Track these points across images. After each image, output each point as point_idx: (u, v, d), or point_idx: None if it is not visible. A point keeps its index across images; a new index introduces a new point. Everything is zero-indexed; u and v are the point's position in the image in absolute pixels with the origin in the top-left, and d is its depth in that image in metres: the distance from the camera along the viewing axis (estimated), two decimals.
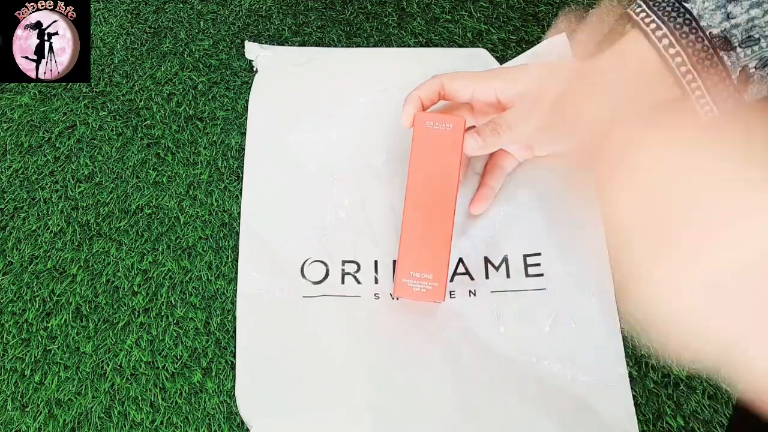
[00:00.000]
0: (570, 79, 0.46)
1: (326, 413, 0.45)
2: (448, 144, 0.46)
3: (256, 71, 0.57)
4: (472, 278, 0.49)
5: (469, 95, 0.47)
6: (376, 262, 0.50)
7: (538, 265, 0.49)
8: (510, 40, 0.58)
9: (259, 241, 0.51)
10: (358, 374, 0.46)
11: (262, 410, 0.46)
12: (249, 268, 0.50)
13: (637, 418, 0.45)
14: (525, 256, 0.49)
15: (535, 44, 0.57)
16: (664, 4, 0.46)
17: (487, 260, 0.49)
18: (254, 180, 0.53)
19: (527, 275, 0.49)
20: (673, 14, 0.45)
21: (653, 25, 0.46)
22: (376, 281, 0.49)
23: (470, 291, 0.49)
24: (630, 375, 0.46)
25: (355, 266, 0.50)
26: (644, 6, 0.47)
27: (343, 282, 0.49)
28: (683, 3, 0.45)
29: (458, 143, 0.46)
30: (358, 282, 0.49)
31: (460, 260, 0.49)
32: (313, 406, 0.45)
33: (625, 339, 0.47)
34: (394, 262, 0.49)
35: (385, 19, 0.59)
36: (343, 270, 0.50)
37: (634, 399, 0.45)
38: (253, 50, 0.57)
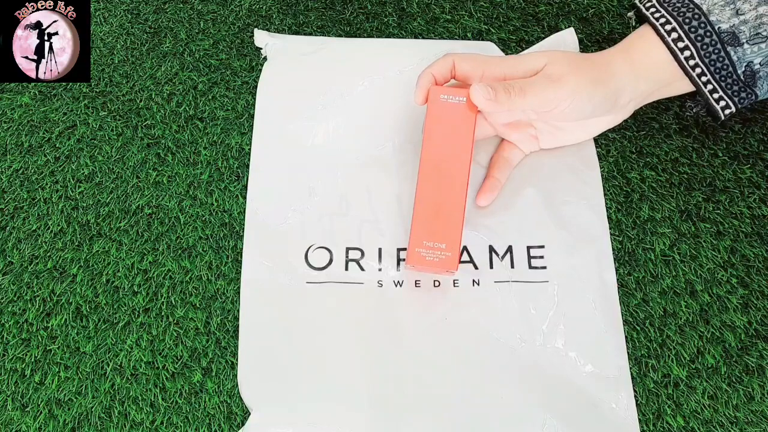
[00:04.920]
0: (582, 66, 0.46)
1: (326, 400, 0.46)
2: (462, 116, 0.46)
3: (265, 59, 0.57)
4: (476, 267, 0.49)
5: (479, 77, 0.46)
6: (380, 249, 0.50)
7: (542, 257, 0.49)
8: (510, 40, 0.58)
9: (264, 227, 0.51)
10: (360, 362, 0.47)
11: (263, 395, 0.46)
12: (253, 254, 0.50)
13: (638, 417, 0.45)
14: (528, 247, 0.50)
15: (535, 44, 0.57)
16: (674, 0, 0.46)
17: (491, 249, 0.50)
18: (261, 167, 0.53)
19: (530, 267, 0.49)
20: (683, 9, 0.46)
21: (663, 20, 0.46)
22: (380, 269, 0.49)
23: (474, 280, 0.49)
24: (630, 375, 0.46)
25: (359, 253, 0.50)
26: (654, 1, 0.48)
27: (346, 269, 0.49)
28: None
29: (472, 116, 0.46)
30: (362, 269, 0.49)
31: (465, 248, 0.50)
32: (314, 392, 0.46)
33: (625, 335, 0.47)
34: (398, 250, 0.50)
35: (385, 19, 0.59)
36: (347, 257, 0.50)
37: (634, 399, 0.46)
38: (262, 38, 0.58)
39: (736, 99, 0.47)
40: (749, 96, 0.47)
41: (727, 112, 0.48)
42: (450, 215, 0.45)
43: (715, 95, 0.47)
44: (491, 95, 0.44)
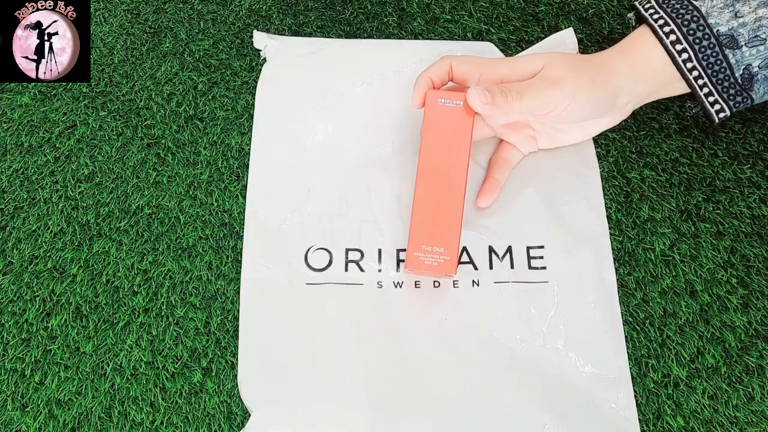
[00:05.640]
0: (580, 68, 0.46)
1: (326, 401, 0.46)
2: (459, 120, 0.46)
3: (264, 60, 0.57)
4: (475, 268, 0.49)
5: (476, 80, 0.47)
6: (380, 250, 0.50)
7: (541, 258, 0.49)
8: (510, 40, 0.58)
9: (263, 228, 0.51)
10: (360, 363, 0.47)
11: (263, 396, 0.46)
12: (253, 255, 0.50)
13: (638, 417, 0.45)
14: (528, 248, 0.50)
15: (535, 44, 0.57)
16: (673, 2, 0.46)
17: (491, 249, 0.50)
18: (260, 168, 0.53)
19: (530, 267, 0.49)
20: (682, 11, 0.46)
21: (661, 21, 0.46)
22: (380, 270, 0.49)
23: (474, 281, 0.49)
24: (630, 375, 0.46)
25: (358, 254, 0.50)
26: (653, 2, 0.48)
27: (346, 270, 0.49)
28: (692, 1, 0.46)
29: (469, 119, 0.46)
30: (362, 270, 0.49)
31: (465, 249, 0.50)
32: (314, 393, 0.46)
33: (625, 335, 0.47)
34: (398, 251, 0.50)
35: (385, 19, 0.59)
36: (346, 258, 0.50)
37: (634, 399, 0.46)
38: (261, 40, 0.58)
39: (731, 103, 0.47)
40: (744, 100, 0.47)
41: (721, 115, 0.48)
42: (448, 219, 0.45)
43: (711, 98, 0.47)
44: (488, 99, 0.44)
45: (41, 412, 0.47)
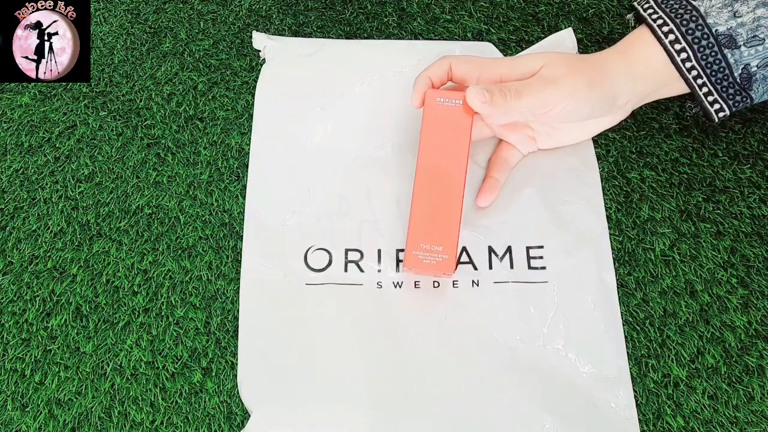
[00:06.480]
0: (579, 67, 0.46)
1: (326, 401, 0.46)
2: (458, 119, 0.46)
3: (263, 61, 0.57)
4: (475, 268, 0.49)
5: (475, 79, 0.47)
6: (379, 251, 0.50)
7: (541, 257, 0.49)
8: (510, 40, 0.58)
9: (263, 228, 0.51)
10: (359, 363, 0.47)
11: (262, 396, 0.46)
12: (253, 255, 0.50)
13: (638, 417, 0.45)
14: (528, 248, 0.50)
15: (535, 44, 0.57)
16: (672, 2, 0.46)
17: (491, 249, 0.50)
18: (259, 167, 0.53)
19: (530, 267, 0.49)
20: (680, 11, 0.46)
21: (660, 21, 0.46)
22: (379, 270, 0.49)
23: (473, 281, 0.49)
24: (630, 375, 0.46)
25: (358, 254, 0.50)
26: (652, 2, 0.48)
27: (346, 270, 0.49)
28: (691, 1, 0.46)
29: (468, 119, 0.46)
30: (361, 270, 0.49)
31: (464, 249, 0.50)
32: (314, 393, 0.46)
33: (625, 335, 0.47)
34: (398, 251, 0.50)
35: (385, 19, 0.59)
36: (346, 258, 0.50)
37: (634, 399, 0.46)
38: (261, 40, 0.58)
39: (730, 102, 0.47)
40: (744, 100, 0.47)
41: (720, 115, 0.48)
42: (447, 218, 0.45)
43: (710, 98, 0.47)
44: (487, 98, 0.44)
45: (41, 412, 0.47)
